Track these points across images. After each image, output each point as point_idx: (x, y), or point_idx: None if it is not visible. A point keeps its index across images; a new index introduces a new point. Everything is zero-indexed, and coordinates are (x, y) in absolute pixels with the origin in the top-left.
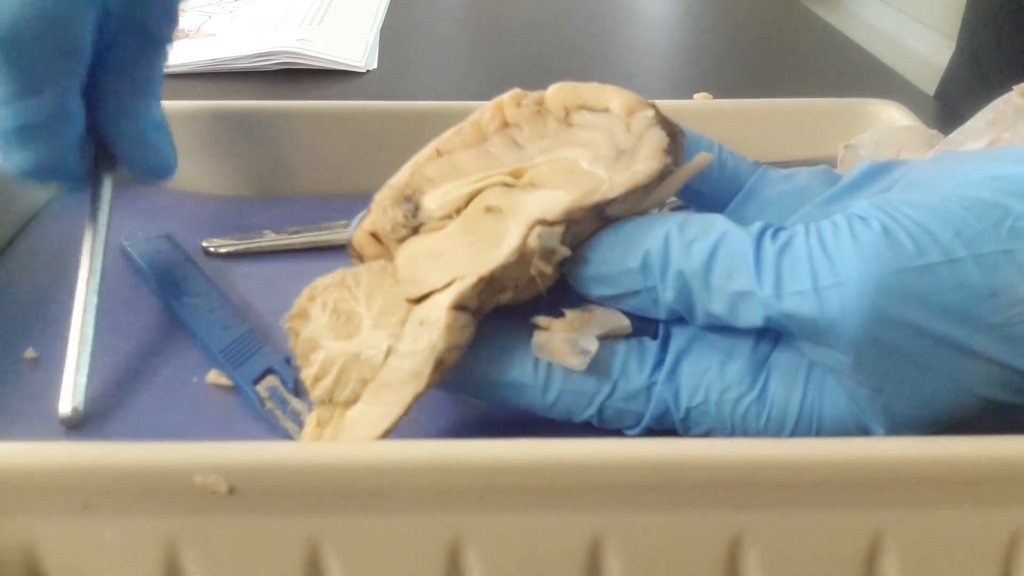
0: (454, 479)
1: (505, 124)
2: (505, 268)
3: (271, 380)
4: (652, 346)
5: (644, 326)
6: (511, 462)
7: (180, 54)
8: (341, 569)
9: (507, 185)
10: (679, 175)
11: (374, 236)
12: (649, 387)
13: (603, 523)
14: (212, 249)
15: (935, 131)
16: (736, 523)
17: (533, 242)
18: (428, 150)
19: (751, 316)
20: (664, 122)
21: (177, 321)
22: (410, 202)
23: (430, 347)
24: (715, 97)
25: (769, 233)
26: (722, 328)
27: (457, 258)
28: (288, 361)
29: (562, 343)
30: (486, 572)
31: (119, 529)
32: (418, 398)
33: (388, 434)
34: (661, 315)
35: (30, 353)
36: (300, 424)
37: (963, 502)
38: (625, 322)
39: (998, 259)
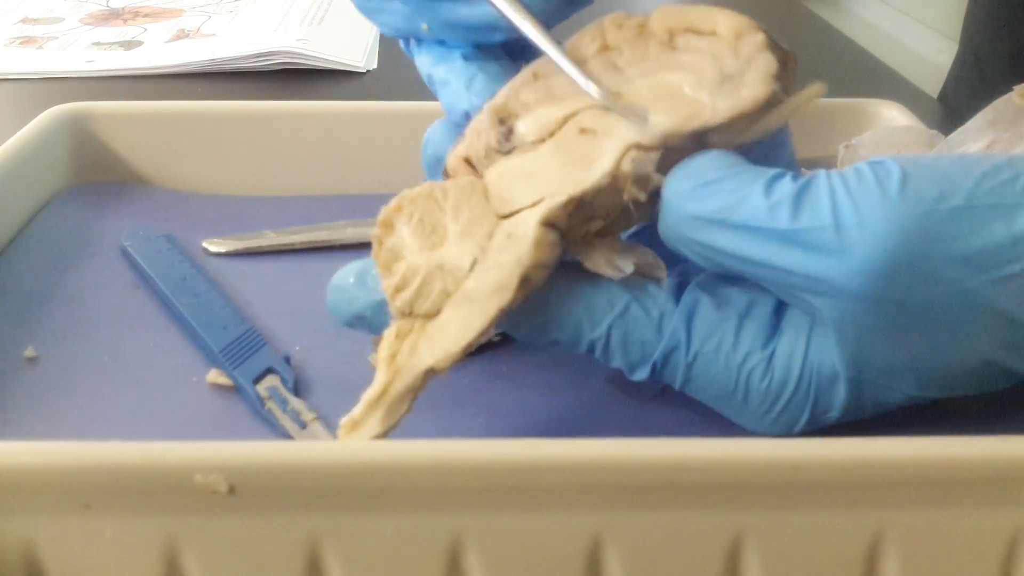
0: (454, 479)
1: (606, 47)
2: (597, 191)
3: (271, 380)
4: (671, 283)
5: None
6: (511, 462)
7: (180, 54)
8: (341, 569)
9: (604, 108)
10: (789, 104)
11: (467, 161)
12: (661, 319)
13: (603, 523)
14: (212, 249)
15: (935, 131)
16: (736, 523)
17: (627, 166)
18: (525, 74)
19: (756, 253)
20: (775, 47)
21: (177, 321)
22: (504, 125)
23: (516, 261)
24: None
25: (789, 174)
26: (740, 281)
27: (549, 178)
28: (288, 361)
29: (600, 256)
30: (486, 572)
31: (119, 529)
32: (502, 313)
33: (470, 348)
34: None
35: (30, 352)
36: (300, 424)
37: (963, 502)
38: (661, 271)
39: (1017, 210)
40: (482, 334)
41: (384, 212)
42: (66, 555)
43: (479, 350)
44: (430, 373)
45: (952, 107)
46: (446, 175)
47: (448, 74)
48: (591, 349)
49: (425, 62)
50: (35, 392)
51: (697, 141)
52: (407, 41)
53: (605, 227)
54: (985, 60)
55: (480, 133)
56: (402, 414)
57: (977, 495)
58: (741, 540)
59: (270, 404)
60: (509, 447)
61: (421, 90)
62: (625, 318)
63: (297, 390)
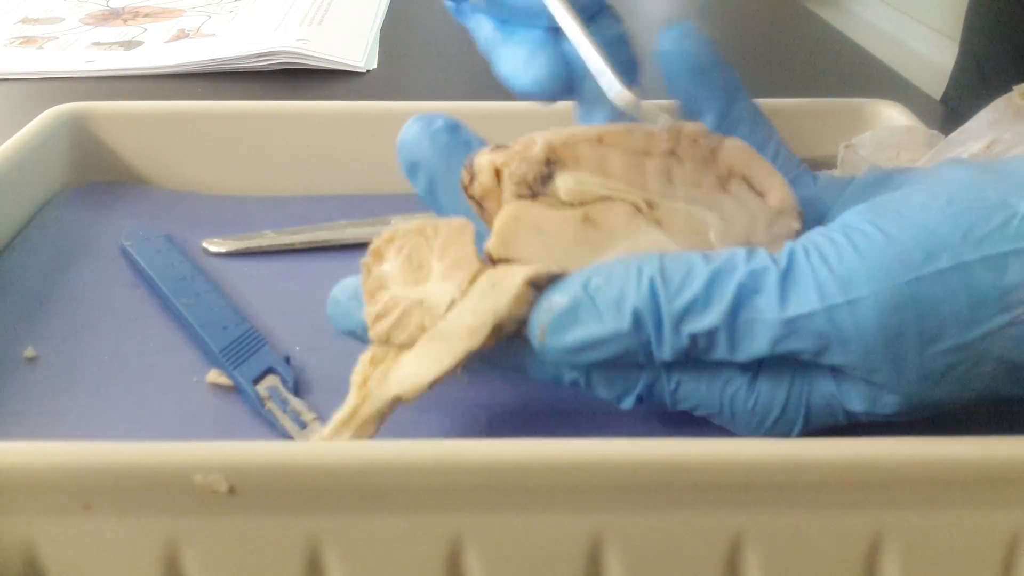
0: (454, 479)
1: (673, 153)
2: None
3: (271, 380)
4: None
5: None
6: (511, 462)
7: (180, 54)
8: (341, 569)
9: (636, 208)
10: None
11: (497, 172)
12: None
13: (603, 523)
14: (212, 249)
15: (935, 131)
16: (736, 523)
17: None
18: (593, 131)
19: (756, 345)
20: (791, 237)
21: (177, 321)
22: (548, 168)
23: (493, 310)
24: None
25: (766, 257)
26: None
27: (555, 245)
28: (288, 361)
29: None
30: (486, 572)
31: (119, 529)
32: (471, 355)
33: (437, 383)
34: (655, 361)
35: (30, 352)
36: (300, 424)
37: (963, 502)
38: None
39: (1007, 259)
40: (450, 371)
41: (376, 242)
42: (66, 555)
43: None
44: (397, 401)
45: (953, 108)
46: (469, 172)
47: (507, 45)
48: (574, 384)
49: (483, 29)
50: (35, 392)
51: None
52: (459, 3)
53: None
54: (985, 60)
55: (525, 160)
56: (369, 436)
57: (977, 495)
58: (741, 540)
59: (270, 404)
60: (509, 447)
61: (421, 90)
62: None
63: (297, 390)
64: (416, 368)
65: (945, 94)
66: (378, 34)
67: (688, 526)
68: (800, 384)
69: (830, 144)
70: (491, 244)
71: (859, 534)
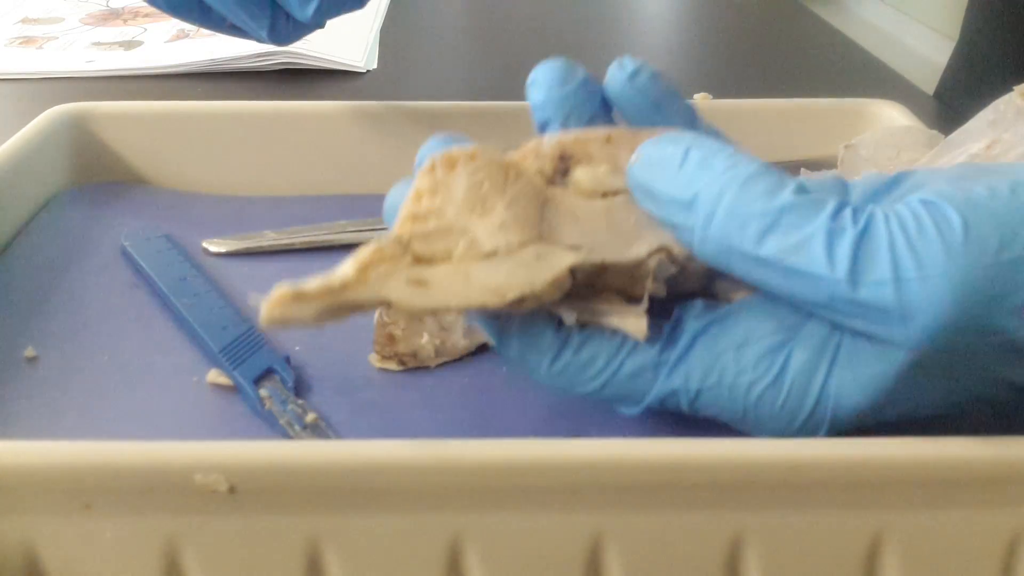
0: (454, 479)
1: None
2: (622, 267)
3: (271, 380)
4: (665, 327)
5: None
6: (511, 462)
7: (180, 54)
8: (341, 569)
9: None
10: None
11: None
12: (657, 366)
13: (603, 523)
14: (212, 249)
15: (935, 131)
16: (736, 523)
17: (652, 262)
18: (600, 132)
19: (811, 295)
20: None
21: (177, 321)
22: (564, 163)
23: (529, 282)
24: (715, 97)
25: (848, 213)
26: (742, 312)
27: (593, 232)
28: (288, 361)
29: (553, 307)
30: (486, 572)
31: (119, 529)
32: (482, 310)
33: (432, 314)
34: (697, 256)
35: (30, 352)
36: (300, 424)
37: (963, 502)
38: (641, 331)
39: None
40: (453, 312)
41: (457, 151)
42: (66, 555)
43: (479, 350)
44: (386, 305)
45: (947, 104)
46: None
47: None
48: (585, 395)
49: None
50: (35, 392)
51: (705, 275)
52: None
53: (600, 296)
54: (981, 58)
55: (540, 156)
56: (334, 319)
57: (977, 496)
58: (741, 540)
59: (270, 404)
60: (509, 447)
61: (421, 90)
62: (620, 374)
63: (297, 390)
64: (423, 288)
65: (938, 89)
66: (378, 34)
67: (688, 526)
68: (832, 377)
69: (830, 144)
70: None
71: (859, 534)
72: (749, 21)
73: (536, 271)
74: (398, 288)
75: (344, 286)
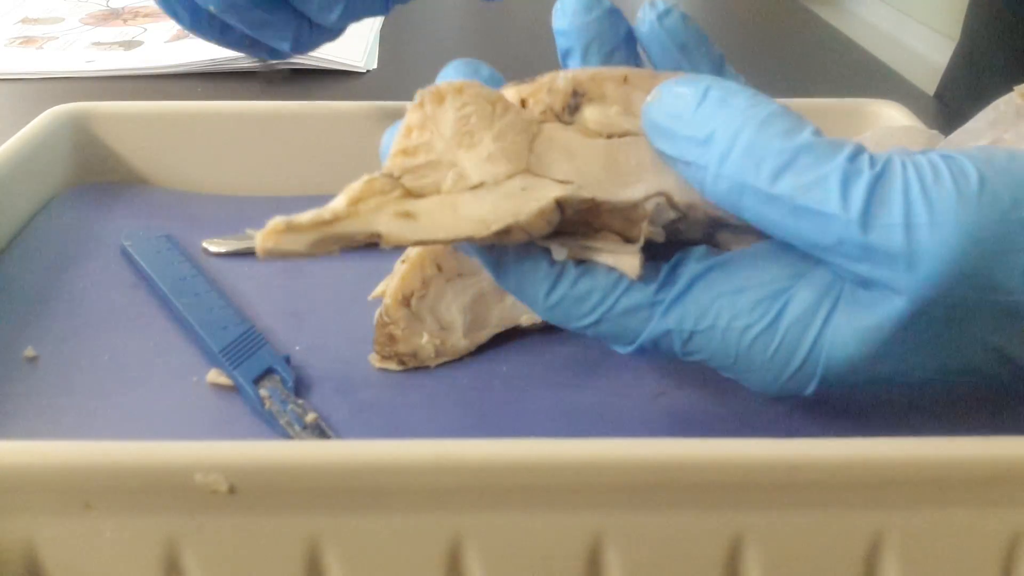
0: (454, 479)
1: None
2: (615, 207)
3: (271, 380)
4: (663, 268)
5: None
6: (511, 462)
7: (180, 54)
8: (341, 569)
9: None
10: None
11: (523, 102)
12: (652, 305)
13: (603, 523)
14: (212, 249)
15: (935, 131)
16: (736, 523)
17: (649, 205)
18: (619, 71)
19: (819, 236)
20: None
21: (177, 321)
22: (575, 99)
23: (514, 213)
24: None
25: (866, 156)
26: (744, 259)
27: (587, 170)
28: (288, 361)
29: (545, 241)
30: (486, 572)
31: (119, 528)
32: (468, 240)
33: (420, 245)
34: (707, 195)
35: (30, 352)
36: (300, 424)
37: (963, 502)
38: (634, 269)
39: None
40: (440, 243)
41: (444, 86)
42: (66, 555)
43: (479, 350)
44: (375, 238)
45: (947, 104)
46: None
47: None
48: (581, 330)
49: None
50: (35, 392)
51: (711, 222)
52: None
53: (595, 235)
54: (981, 58)
55: (551, 91)
56: (326, 251)
57: (977, 495)
58: (741, 540)
59: (270, 404)
60: (509, 447)
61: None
62: (615, 310)
63: (297, 390)
64: (412, 221)
65: (938, 89)
66: (378, 34)
67: (688, 526)
68: (828, 327)
69: None
70: (530, 158)
71: (859, 534)
72: (749, 21)
73: (521, 202)
74: (387, 221)
75: (335, 218)
